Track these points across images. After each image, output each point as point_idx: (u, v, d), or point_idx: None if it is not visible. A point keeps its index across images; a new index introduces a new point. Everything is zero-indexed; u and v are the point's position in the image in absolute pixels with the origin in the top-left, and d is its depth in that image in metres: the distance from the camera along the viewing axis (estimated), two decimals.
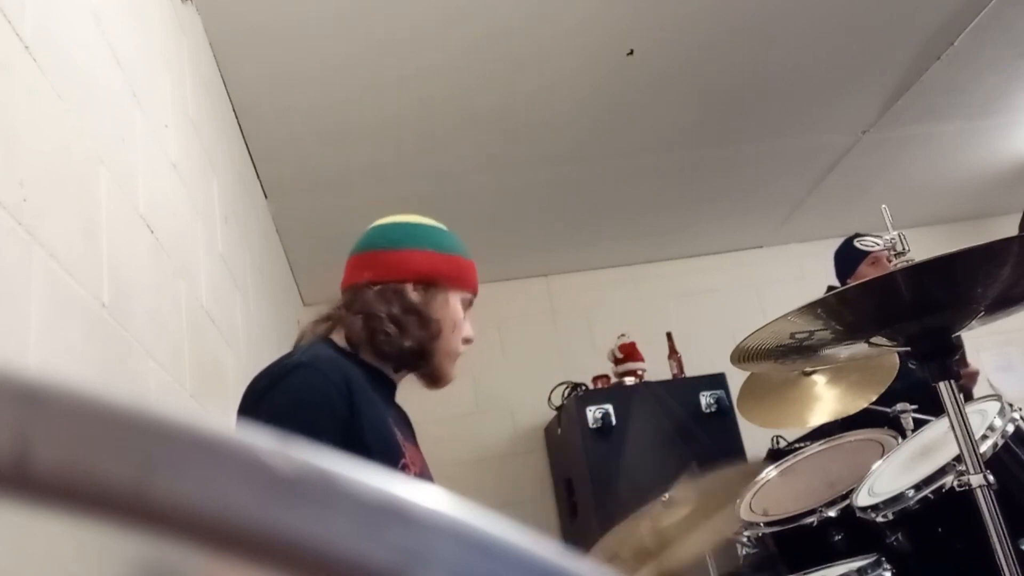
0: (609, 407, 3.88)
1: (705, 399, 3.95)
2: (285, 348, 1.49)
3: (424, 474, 1.42)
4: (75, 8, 1.34)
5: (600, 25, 2.73)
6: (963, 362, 3.02)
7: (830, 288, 2.91)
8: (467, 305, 1.50)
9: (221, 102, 2.63)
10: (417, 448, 1.45)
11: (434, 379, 1.47)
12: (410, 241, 1.47)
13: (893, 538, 1.60)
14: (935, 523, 1.58)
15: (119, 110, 1.51)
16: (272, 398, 1.24)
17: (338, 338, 1.41)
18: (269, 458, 0.17)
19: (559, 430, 4.24)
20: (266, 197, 3.40)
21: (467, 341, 1.49)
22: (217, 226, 2.27)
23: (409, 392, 1.50)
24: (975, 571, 1.34)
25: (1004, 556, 1.21)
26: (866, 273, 3.00)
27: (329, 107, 2.93)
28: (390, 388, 1.45)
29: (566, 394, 4.20)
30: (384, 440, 1.30)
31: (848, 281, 3.10)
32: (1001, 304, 1.30)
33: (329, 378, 1.25)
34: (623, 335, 4.29)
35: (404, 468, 1.30)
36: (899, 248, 1.35)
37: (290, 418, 1.20)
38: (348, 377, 1.27)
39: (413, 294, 1.42)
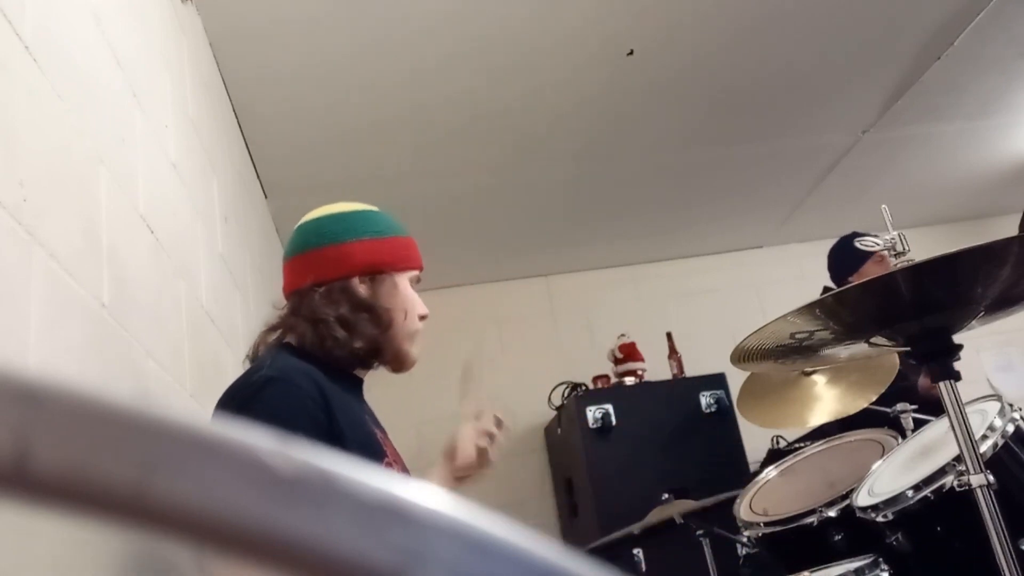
0: (609, 407, 3.88)
1: (705, 399, 3.95)
2: None
3: (404, 470, 1.42)
4: (75, 8, 1.34)
5: (600, 25, 2.73)
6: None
7: (826, 289, 2.90)
8: (415, 282, 1.46)
9: (221, 102, 2.63)
10: (390, 441, 1.45)
11: (397, 365, 1.44)
12: (347, 233, 1.41)
13: (893, 538, 1.59)
14: (935, 523, 1.58)
15: (119, 110, 1.51)
16: (248, 417, 1.18)
17: (294, 341, 1.38)
18: (269, 458, 0.17)
19: (559, 430, 4.24)
20: (266, 197, 3.41)
21: (423, 318, 1.45)
22: (217, 226, 2.27)
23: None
24: (975, 571, 1.34)
25: (1004, 556, 1.21)
26: (871, 271, 2.96)
27: (329, 107, 2.93)
28: (357, 385, 1.43)
29: (566, 394, 4.20)
30: (365, 442, 1.29)
31: (851, 279, 3.08)
32: (1001, 304, 1.30)
33: (302, 388, 1.22)
34: (623, 335, 4.29)
35: (387, 467, 1.30)
36: (899, 248, 1.35)
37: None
38: (319, 383, 1.25)
39: (360, 288, 1.38)
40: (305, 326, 1.36)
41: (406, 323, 1.41)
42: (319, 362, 1.32)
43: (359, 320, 1.35)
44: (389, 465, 1.31)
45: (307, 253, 1.42)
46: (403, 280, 1.42)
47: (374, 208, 1.48)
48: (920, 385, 2.63)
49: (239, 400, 1.24)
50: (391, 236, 1.44)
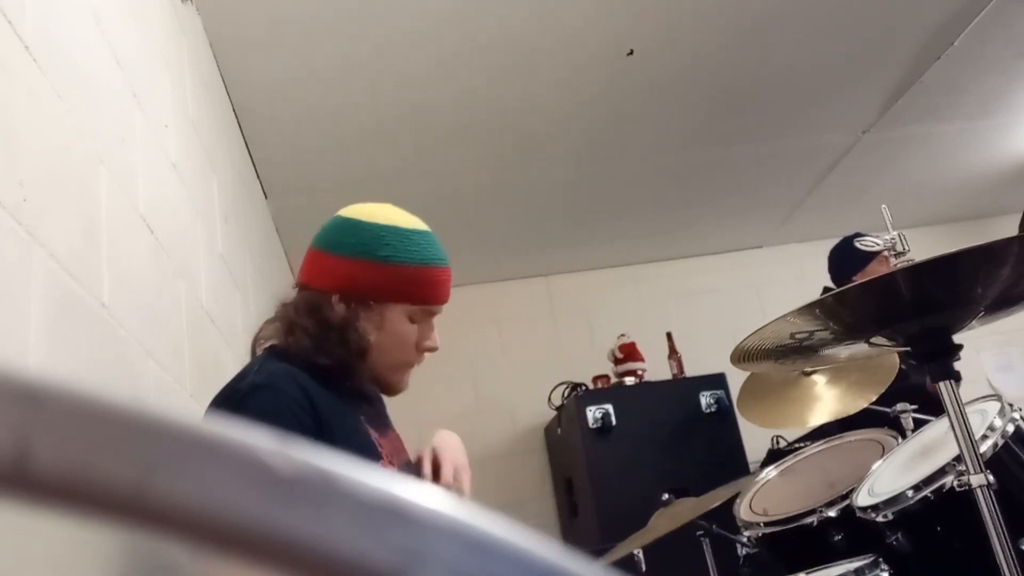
0: (609, 407, 3.88)
1: (705, 399, 3.95)
2: None
3: (407, 462, 1.40)
4: (75, 8, 1.34)
5: (600, 25, 2.73)
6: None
7: (826, 289, 2.90)
8: (427, 315, 1.36)
9: (221, 102, 2.63)
10: (393, 435, 1.41)
11: (381, 389, 1.39)
12: (350, 247, 1.32)
13: (893, 538, 1.59)
14: (935, 523, 1.58)
15: (119, 110, 1.51)
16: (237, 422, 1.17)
17: (280, 344, 1.34)
18: (269, 458, 0.17)
19: (559, 430, 4.24)
20: (266, 197, 3.41)
21: (427, 350, 1.37)
22: (217, 226, 2.27)
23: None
24: (975, 571, 1.34)
25: (1004, 556, 1.21)
26: (876, 271, 2.95)
27: (330, 107, 2.93)
28: (354, 386, 1.37)
29: (566, 394, 4.20)
30: (358, 443, 1.27)
31: (855, 279, 3.07)
32: (1001, 304, 1.30)
33: (288, 393, 1.21)
34: (623, 335, 4.29)
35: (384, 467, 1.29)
36: (899, 248, 1.35)
37: None
38: (306, 389, 1.23)
39: (339, 307, 1.30)
40: (284, 324, 1.34)
41: (390, 355, 1.34)
42: (306, 364, 1.28)
43: (326, 338, 1.29)
44: (385, 466, 1.30)
45: (313, 251, 1.39)
46: (395, 311, 1.32)
47: (404, 225, 1.35)
48: (928, 384, 2.62)
49: (227, 406, 1.23)
50: (399, 264, 1.31)
